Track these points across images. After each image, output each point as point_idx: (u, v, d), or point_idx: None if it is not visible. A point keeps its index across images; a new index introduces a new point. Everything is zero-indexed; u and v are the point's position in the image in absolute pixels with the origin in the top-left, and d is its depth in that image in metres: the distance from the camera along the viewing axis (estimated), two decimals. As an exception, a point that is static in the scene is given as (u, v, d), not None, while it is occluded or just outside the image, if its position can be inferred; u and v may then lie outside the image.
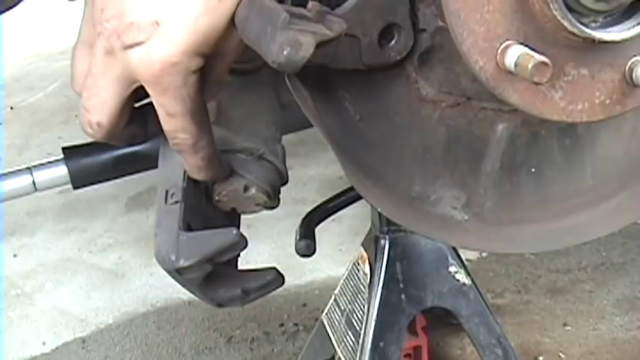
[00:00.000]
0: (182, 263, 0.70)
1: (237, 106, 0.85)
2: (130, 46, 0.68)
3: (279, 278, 0.78)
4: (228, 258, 0.73)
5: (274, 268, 0.78)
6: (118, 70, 0.71)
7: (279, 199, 0.85)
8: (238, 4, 0.69)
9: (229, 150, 0.82)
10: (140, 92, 0.73)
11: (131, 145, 0.82)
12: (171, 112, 0.71)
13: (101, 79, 0.72)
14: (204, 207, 0.81)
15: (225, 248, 0.71)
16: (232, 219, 0.85)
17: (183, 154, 0.75)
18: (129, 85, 0.72)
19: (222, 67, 0.75)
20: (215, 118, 0.81)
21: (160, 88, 0.70)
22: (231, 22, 0.69)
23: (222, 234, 0.71)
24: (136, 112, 0.78)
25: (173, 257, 0.70)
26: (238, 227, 0.86)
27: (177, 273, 0.71)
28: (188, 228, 0.73)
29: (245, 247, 0.72)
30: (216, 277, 0.73)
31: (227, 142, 0.82)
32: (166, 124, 0.72)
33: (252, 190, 0.81)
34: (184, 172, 0.77)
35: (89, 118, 0.75)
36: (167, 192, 0.77)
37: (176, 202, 0.75)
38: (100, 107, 0.74)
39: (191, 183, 0.78)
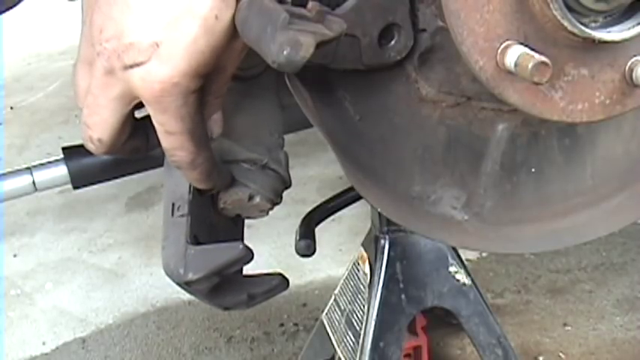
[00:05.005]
0: (191, 277, 0.71)
1: (241, 114, 0.85)
2: (131, 67, 0.68)
3: (284, 283, 0.79)
4: (235, 270, 0.74)
5: (280, 274, 0.79)
6: (118, 89, 0.71)
7: (281, 198, 0.85)
8: (234, 18, 0.68)
9: (233, 160, 0.82)
10: (141, 103, 0.73)
11: None
12: (171, 131, 0.71)
13: (101, 97, 0.72)
14: (210, 214, 0.82)
15: (232, 262, 0.72)
16: (237, 223, 0.87)
17: (182, 169, 0.75)
18: (129, 103, 0.72)
19: (222, 80, 0.75)
20: (222, 129, 0.81)
21: (159, 107, 0.70)
22: (230, 36, 0.69)
23: (230, 248, 0.73)
24: (138, 124, 0.78)
25: (181, 271, 0.71)
26: (242, 230, 0.88)
27: (186, 285, 0.72)
28: (195, 240, 0.74)
29: (251, 259, 0.73)
30: (223, 285, 0.74)
31: (231, 153, 0.82)
32: (165, 141, 0.73)
33: (257, 199, 0.82)
34: (190, 184, 0.78)
35: (90, 134, 0.75)
36: (173, 205, 0.77)
37: (182, 215, 0.76)
38: (101, 124, 0.74)
39: (197, 193, 0.78)
